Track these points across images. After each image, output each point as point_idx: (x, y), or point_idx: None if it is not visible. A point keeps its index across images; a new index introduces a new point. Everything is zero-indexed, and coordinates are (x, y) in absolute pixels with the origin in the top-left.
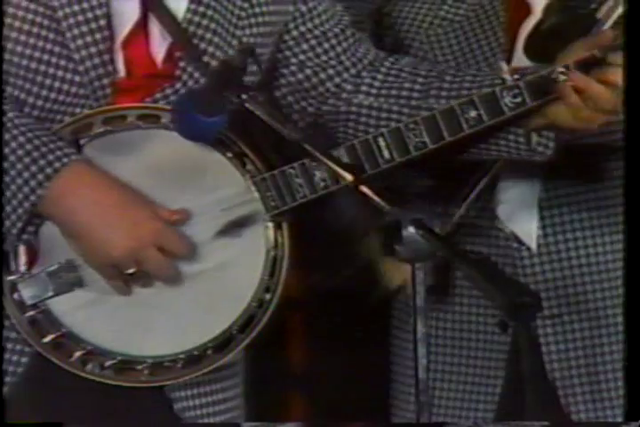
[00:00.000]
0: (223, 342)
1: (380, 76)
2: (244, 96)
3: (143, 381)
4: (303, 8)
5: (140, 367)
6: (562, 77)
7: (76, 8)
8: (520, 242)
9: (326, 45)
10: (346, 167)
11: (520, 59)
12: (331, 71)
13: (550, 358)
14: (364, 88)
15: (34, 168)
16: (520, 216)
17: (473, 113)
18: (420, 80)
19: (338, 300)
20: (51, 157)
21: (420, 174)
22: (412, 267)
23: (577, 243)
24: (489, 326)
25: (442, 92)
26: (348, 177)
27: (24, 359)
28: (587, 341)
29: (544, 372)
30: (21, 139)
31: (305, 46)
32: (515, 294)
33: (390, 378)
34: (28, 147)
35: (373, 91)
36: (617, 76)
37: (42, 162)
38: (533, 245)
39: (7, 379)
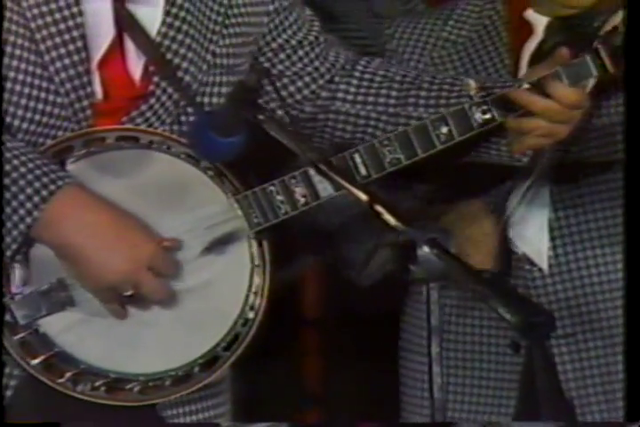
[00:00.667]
0: (210, 361)
1: (354, 82)
2: (260, 116)
3: (133, 400)
4: (277, 19)
5: (129, 386)
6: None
7: (52, 29)
8: (532, 263)
9: (300, 53)
10: (360, 187)
11: None
12: (307, 78)
13: (566, 376)
14: (339, 95)
15: (29, 190)
16: (531, 238)
17: (444, 129)
18: (396, 86)
19: (352, 318)
20: (45, 179)
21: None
22: (427, 286)
23: (588, 262)
24: (501, 346)
25: (420, 100)
26: (363, 197)
27: (12, 382)
28: (601, 359)
29: (561, 390)
30: (15, 162)
31: (282, 56)
32: (528, 314)
33: (401, 398)
34: (23, 170)
35: (349, 97)
36: (563, 91)
37: (37, 184)
38: (545, 266)
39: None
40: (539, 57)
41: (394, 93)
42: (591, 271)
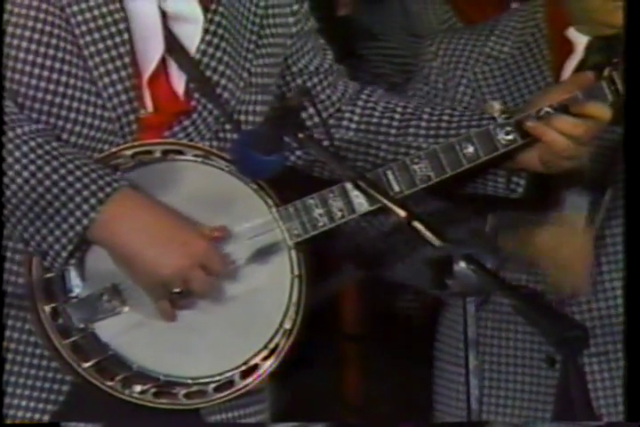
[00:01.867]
0: (250, 369)
1: (357, 110)
2: (300, 135)
3: (179, 404)
4: (298, 44)
5: (176, 391)
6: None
7: (100, 46)
8: None
9: (315, 80)
10: (399, 204)
11: None
12: (319, 106)
13: (597, 394)
14: (344, 123)
15: (86, 193)
16: None
17: (470, 149)
18: (397, 117)
19: (391, 332)
20: (101, 182)
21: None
22: (464, 301)
23: (614, 283)
24: (537, 360)
25: (420, 130)
26: (402, 213)
27: (65, 388)
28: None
29: (592, 407)
30: (70, 166)
31: (299, 81)
32: (563, 328)
33: (435, 406)
34: (78, 173)
35: (353, 125)
36: (573, 127)
37: (93, 187)
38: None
39: (48, 407)
40: None
41: (395, 124)
42: (618, 292)
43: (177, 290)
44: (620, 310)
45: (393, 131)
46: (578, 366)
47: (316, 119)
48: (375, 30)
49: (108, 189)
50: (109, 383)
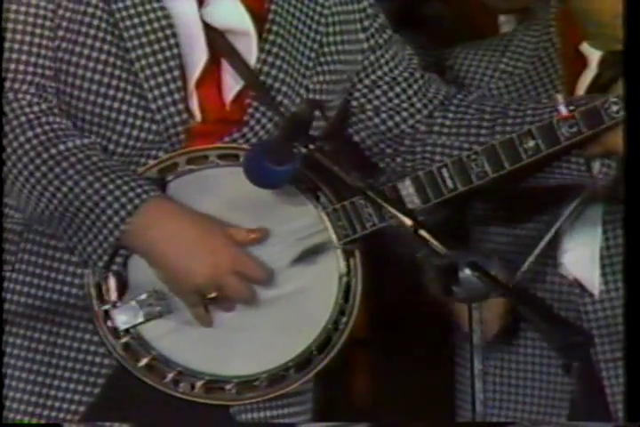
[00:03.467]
0: (303, 362)
1: (450, 115)
2: (311, 146)
3: (231, 399)
4: (372, 57)
5: (227, 387)
6: (614, 107)
7: (151, 60)
8: (583, 289)
9: (398, 89)
10: (405, 212)
11: None
12: (404, 114)
13: (614, 399)
14: (436, 128)
15: (116, 205)
16: (583, 264)
17: (531, 143)
18: (487, 117)
19: (401, 338)
20: (131, 194)
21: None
22: (469, 307)
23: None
24: (552, 367)
25: (506, 127)
26: (408, 222)
27: (100, 380)
28: None
29: (609, 413)
30: (105, 180)
31: (378, 92)
32: (566, 334)
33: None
34: (111, 186)
35: (445, 130)
36: None
37: (123, 199)
38: (596, 292)
39: (84, 398)
40: (594, 91)
41: (484, 124)
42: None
43: (212, 295)
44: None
45: (483, 131)
46: (595, 374)
47: (385, 111)
48: None
49: (136, 201)
50: (164, 381)
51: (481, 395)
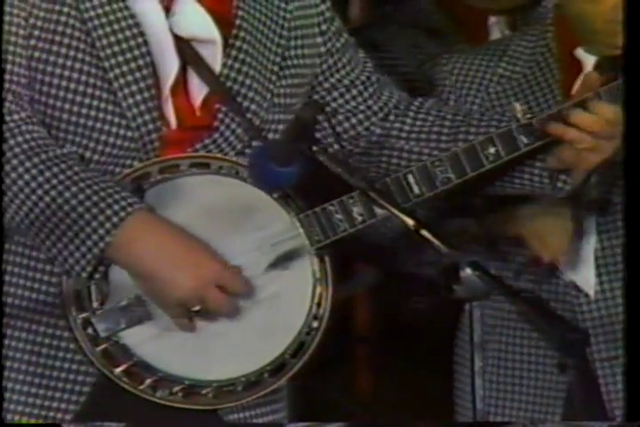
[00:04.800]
0: (278, 367)
1: (408, 120)
2: (314, 148)
3: (208, 403)
4: (330, 60)
5: (204, 392)
6: (571, 115)
7: (124, 68)
8: (578, 290)
9: (354, 92)
10: (407, 213)
11: None
12: (360, 116)
13: (609, 397)
14: (394, 132)
15: (101, 217)
16: (578, 266)
17: (492, 149)
18: (448, 124)
19: (401, 334)
20: (116, 206)
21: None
22: (470, 306)
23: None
24: (548, 366)
25: (469, 135)
26: (410, 222)
27: (86, 389)
28: None
29: (605, 410)
30: (88, 191)
31: (335, 94)
32: (564, 332)
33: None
34: (95, 198)
35: (403, 135)
36: (591, 122)
37: (109, 211)
38: (591, 292)
39: (70, 407)
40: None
41: (445, 131)
42: None
43: (195, 308)
44: None
45: (444, 137)
46: (590, 373)
47: (329, 129)
48: (378, 41)
49: (122, 214)
50: (140, 387)
51: (481, 392)
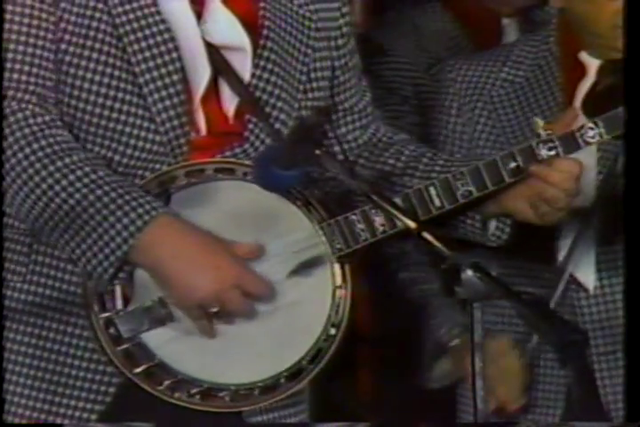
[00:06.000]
0: (295, 372)
1: (376, 151)
2: (317, 152)
3: (225, 406)
4: (341, 78)
5: (222, 394)
6: (590, 132)
7: (155, 74)
8: (579, 284)
9: (348, 118)
10: (409, 215)
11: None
12: (345, 146)
13: (605, 391)
14: (361, 160)
15: (125, 220)
16: (579, 260)
17: (513, 164)
18: (403, 159)
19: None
20: (140, 210)
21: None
22: (471, 306)
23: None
24: (549, 360)
25: (416, 172)
26: (412, 224)
27: (111, 389)
28: None
29: (601, 405)
30: (113, 194)
31: (333, 116)
32: (563, 332)
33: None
34: (119, 201)
35: (368, 164)
36: (560, 179)
37: (132, 215)
38: (591, 288)
39: (96, 407)
40: (592, 97)
41: (399, 165)
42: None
43: (214, 310)
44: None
45: (397, 171)
46: (586, 368)
47: (331, 134)
48: (386, 46)
49: (146, 217)
50: (159, 388)
51: (482, 392)
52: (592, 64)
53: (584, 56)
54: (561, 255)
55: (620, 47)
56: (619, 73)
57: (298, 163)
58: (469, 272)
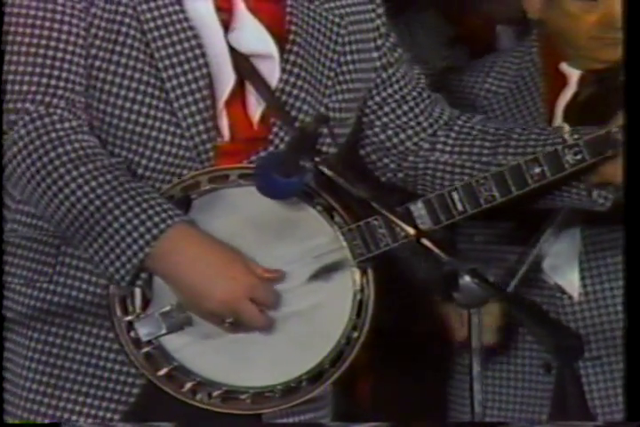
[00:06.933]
0: (316, 375)
1: (453, 135)
2: (317, 159)
3: (246, 408)
4: (384, 75)
5: (243, 397)
6: (617, 136)
7: (182, 79)
8: (563, 292)
9: (405, 107)
10: (408, 222)
11: None
12: (410, 131)
13: (592, 396)
14: (439, 146)
15: (142, 229)
16: (563, 269)
17: (537, 169)
18: (490, 138)
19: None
20: (157, 218)
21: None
22: (468, 312)
23: (613, 292)
24: (535, 367)
25: (509, 149)
26: (411, 231)
27: (135, 390)
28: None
29: (588, 409)
30: (131, 202)
31: (387, 109)
32: (560, 337)
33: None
34: (137, 209)
35: (447, 148)
36: None
37: (149, 223)
38: (575, 295)
39: (119, 407)
40: (573, 107)
41: (487, 144)
42: (616, 300)
43: (229, 320)
44: (613, 317)
45: (485, 151)
46: (574, 372)
47: (330, 142)
48: None
49: (162, 226)
50: (181, 390)
51: (479, 396)
52: (573, 75)
53: (565, 67)
54: (545, 264)
55: (600, 58)
56: (599, 83)
57: (298, 170)
58: (467, 278)
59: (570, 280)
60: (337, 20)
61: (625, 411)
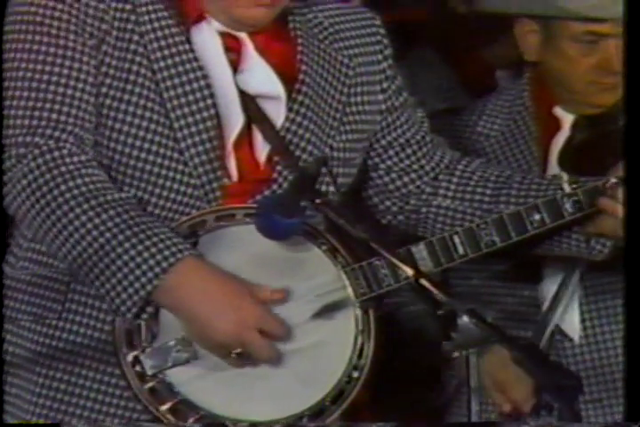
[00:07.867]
0: (317, 412)
1: (454, 180)
2: (317, 200)
3: None
4: (389, 118)
5: None
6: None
7: (190, 120)
8: (563, 334)
9: (409, 151)
10: (407, 263)
11: (554, 171)
12: (413, 175)
13: None
14: (441, 191)
15: (151, 262)
16: (563, 312)
17: (537, 216)
18: (491, 185)
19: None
20: (167, 252)
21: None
22: (467, 352)
23: (613, 335)
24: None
25: (510, 198)
26: (410, 271)
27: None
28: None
29: None
30: (142, 235)
31: (391, 152)
32: (558, 377)
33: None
34: (147, 243)
35: (450, 193)
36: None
37: (159, 256)
38: (576, 337)
39: None
40: (567, 152)
41: (488, 192)
42: (616, 343)
43: (237, 351)
44: (613, 360)
45: (486, 198)
46: (574, 413)
47: (332, 188)
48: None
49: (171, 260)
50: (183, 424)
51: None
52: (566, 119)
53: (558, 111)
54: (545, 305)
55: (595, 103)
56: (593, 128)
57: (298, 211)
58: (465, 318)
59: (570, 322)
60: (346, 60)
61: (625, 411)
